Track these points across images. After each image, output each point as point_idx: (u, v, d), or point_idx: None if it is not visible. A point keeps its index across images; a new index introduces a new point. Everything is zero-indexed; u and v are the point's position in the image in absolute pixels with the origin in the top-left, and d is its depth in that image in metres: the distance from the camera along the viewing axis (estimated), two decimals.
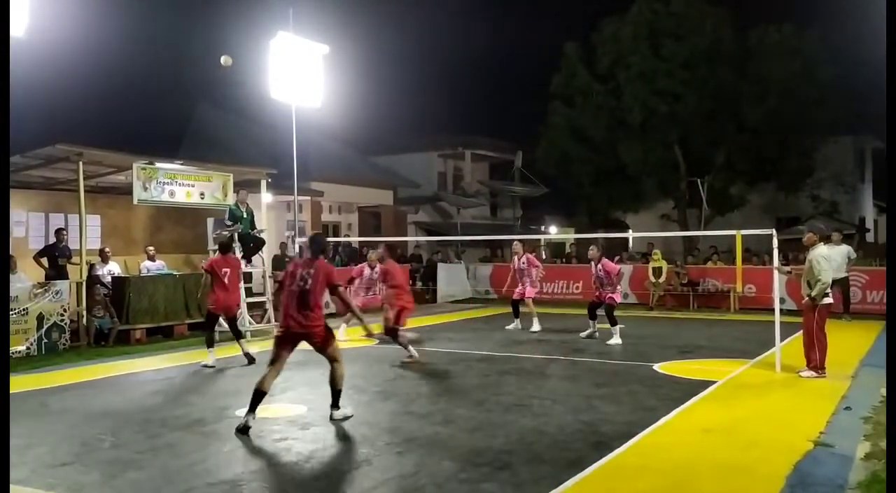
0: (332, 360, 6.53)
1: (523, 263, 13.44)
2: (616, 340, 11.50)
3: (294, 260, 7.12)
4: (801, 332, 8.85)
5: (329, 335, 6.57)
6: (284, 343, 6.42)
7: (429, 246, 24.83)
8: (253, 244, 12.86)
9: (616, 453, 5.45)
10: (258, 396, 6.25)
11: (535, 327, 12.90)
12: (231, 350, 11.15)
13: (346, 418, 6.51)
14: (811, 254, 8.59)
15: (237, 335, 10.46)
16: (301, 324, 6.35)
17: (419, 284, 20.52)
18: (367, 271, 12.92)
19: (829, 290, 8.52)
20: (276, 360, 6.41)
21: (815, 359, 8.45)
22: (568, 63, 25.94)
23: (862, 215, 32.08)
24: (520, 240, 14.92)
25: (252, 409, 6.21)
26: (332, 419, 6.49)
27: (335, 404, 6.56)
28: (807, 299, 8.61)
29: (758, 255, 17.83)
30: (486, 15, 66.73)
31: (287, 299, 6.39)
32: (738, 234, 9.45)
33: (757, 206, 27.32)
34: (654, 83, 23.52)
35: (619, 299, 12.48)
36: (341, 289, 6.77)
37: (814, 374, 8.39)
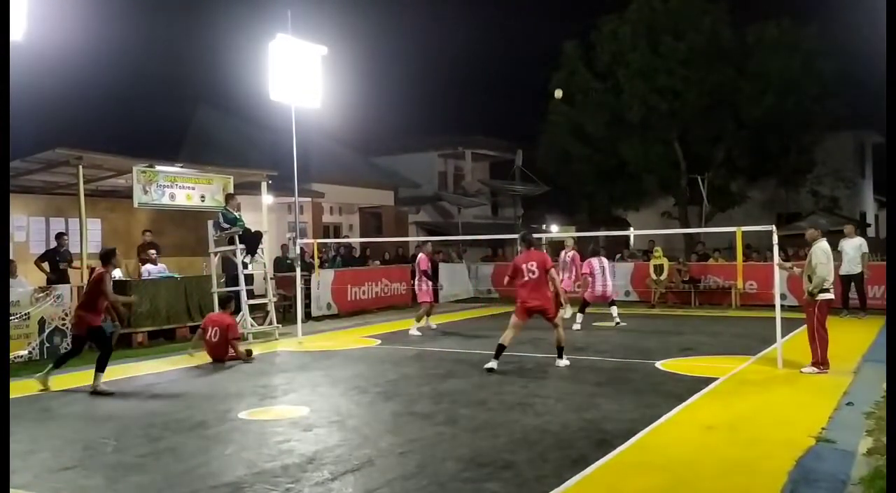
0: (556, 326, 9.14)
1: (568, 256, 14.29)
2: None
3: (516, 257, 9.55)
4: (804, 328, 8.85)
5: (556, 308, 9.29)
6: (525, 315, 9.02)
7: (430, 246, 24.81)
8: (252, 239, 12.76)
9: (618, 450, 5.45)
10: (501, 348, 8.89)
11: (567, 313, 13.55)
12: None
13: (567, 365, 9.02)
14: (812, 249, 8.59)
15: (61, 360, 8.59)
16: (538, 303, 8.94)
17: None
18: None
19: (828, 285, 8.50)
20: (516, 325, 9.04)
21: (817, 355, 8.44)
22: (567, 61, 25.93)
23: (863, 210, 32.05)
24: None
25: (497, 356, 8.85)
26: (556, 365, 9.05)
27: (559, 356, 9.17)
28: (807, 294, 8.61)
29: (758, 251, 17.82)
30: (486, 14, 66.74)
31: (525, 287, 8.95)
32: (739, 230, 9.44)
33: (757, 202, 27.30)
34: (654, 81, 23.50)
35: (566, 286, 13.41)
36: (552, 271, 9.15)
37: (815, 370, 8.38)
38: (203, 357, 10.32)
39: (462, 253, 23.44)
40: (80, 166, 11.64)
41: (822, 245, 8.56)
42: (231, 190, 13.51)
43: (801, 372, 8.39)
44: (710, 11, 23.53)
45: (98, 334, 8.39)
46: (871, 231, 31.55)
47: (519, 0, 69.82)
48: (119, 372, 9.55)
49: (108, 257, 8.61)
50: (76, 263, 12.42)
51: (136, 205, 12.32)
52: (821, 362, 8.41)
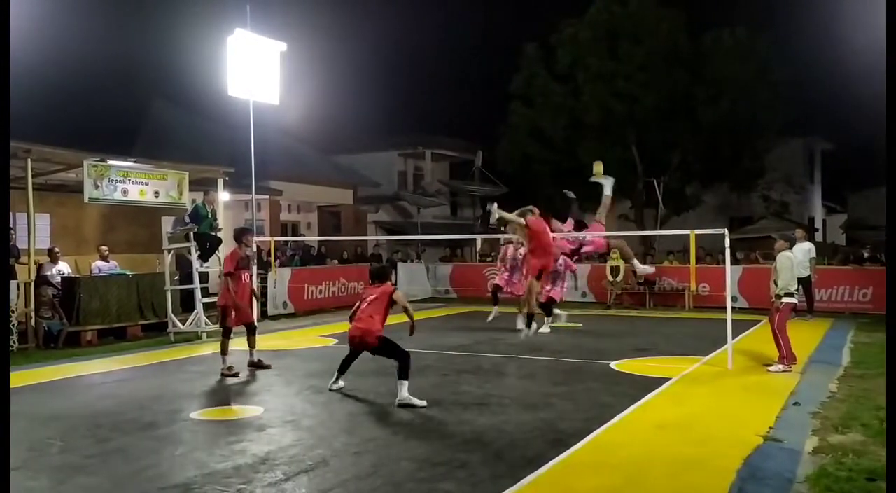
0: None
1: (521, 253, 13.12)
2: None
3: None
4: (753, 329, 9.04)
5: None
6: None
7: (389, 245, 24.78)
8: (210, 244, 12.69)
9: (573, 450, 5.50)
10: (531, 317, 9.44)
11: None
12: (184, 352, 11.02)
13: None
14: (778, 256, 8.99)
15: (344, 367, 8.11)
16: None
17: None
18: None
19: (791, 289, 8.86)
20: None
21: (782, 353, 8.71)
22: (528, 63, 26.13)
23: (811, 215, 32.96)
24: (482, 239, 14.77)
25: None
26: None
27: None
28: (773, 297, 8.93)
29: (711, 254, 18.17)
30: (447, 14, 66.87)
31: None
32: (693, 233, 9.62)
33: (711, 206, 27.89)
34: (612, 85, 23.83)
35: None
36: None
37: (781, 367, 8.61)
38: (164, 355, 10.09)
39: (420, 253, 23.42)
40: (29, 159, 11.34)
41: (786, 253, 9.00)
42: (187, 186, 13.27)
43: (769, 370, 8.58)
44: (667, 17, 23.95)
45: (388, 342, 7.48)
46: (818, 236, 32.45)
47: (481, 0, 70.19)
48: (66, 371, 9.33)
49: (384, 274, 8.02)
50: (23, 258, 12.07)
51: (86, 200, 12.01)
52: (787, 360, 8.67)
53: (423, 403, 7.03)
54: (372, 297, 7.54)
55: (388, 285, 7.75)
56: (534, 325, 9.64)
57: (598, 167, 10.84)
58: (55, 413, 6.92)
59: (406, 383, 7.15)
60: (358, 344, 7.54)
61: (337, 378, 7.85)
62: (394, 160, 31.53)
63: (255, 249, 14.31)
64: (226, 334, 8.95)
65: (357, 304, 7.75)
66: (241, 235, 9.48)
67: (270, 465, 5.22)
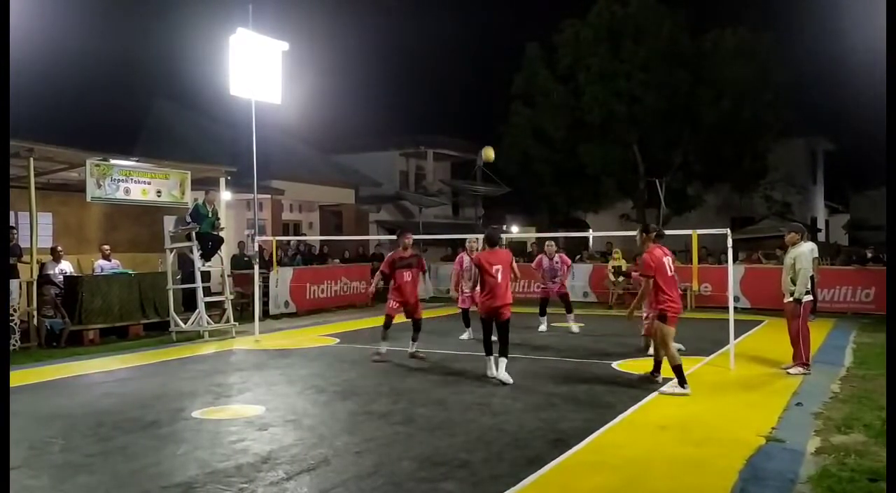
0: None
1: (556, 261, 12.92)
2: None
3: (653, 253, 7.89)
4: (756, 330, 8.99)
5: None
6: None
7: (390, 245, 24.75)
8: (212, 243, 12.71)
9: (574, 450, 5.49)
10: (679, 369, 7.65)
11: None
12: (186, 351, 11.02)
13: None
14: (794, 252, 8.58)
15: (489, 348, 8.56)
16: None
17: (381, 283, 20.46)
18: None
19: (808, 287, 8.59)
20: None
21: (801, 356, 8.55)
22: (529, 63, 26.13)
23: (814, 215, 32.92)
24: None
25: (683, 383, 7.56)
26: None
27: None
28: (790, 298, 8.58)
29: (713, 254, 18.16)
30: (450, 13, 66.78)
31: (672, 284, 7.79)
32: (695, 233, 9.60)
33: (712, 206, 27.87)
34: (614, 84, 23.82)
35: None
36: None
37: (801, 370, 8.48)
38: (165, 354, 10.10)
39: (422, 252, 23.41)
40: (32, 158, 11.35)
41: (802, 250, 8.58)
42: (189, 185, 13.29)
43: (789, 373, 8.45)
44: (668, 17, 23.93)
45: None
46: (821, 236, 32.42)
47: (483, 0, 70.13)
48: (68, 370, 9.34)
49: (498, 239, 8.59)
50: (25, 257, 12.09)
51: (89, 199, 12.03)
52: (806, 362, 8.53)
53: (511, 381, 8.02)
54: (499, 269, 8.10)
55: (506, 252, 8.40)
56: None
57: (488, 153, 11.15)
58: (57, 412, 6.93)
59: (506, 360, 8.14)
60: (497, 317, 8.19)
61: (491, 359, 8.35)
62: (395, 160, 31.52)
63: (256, 248, 14.41)
64: (385, 324, 9.68)
65: (477, 272, 8.30)
66: (398, 236, 10.12)
67: (272, 464, 5.22)
